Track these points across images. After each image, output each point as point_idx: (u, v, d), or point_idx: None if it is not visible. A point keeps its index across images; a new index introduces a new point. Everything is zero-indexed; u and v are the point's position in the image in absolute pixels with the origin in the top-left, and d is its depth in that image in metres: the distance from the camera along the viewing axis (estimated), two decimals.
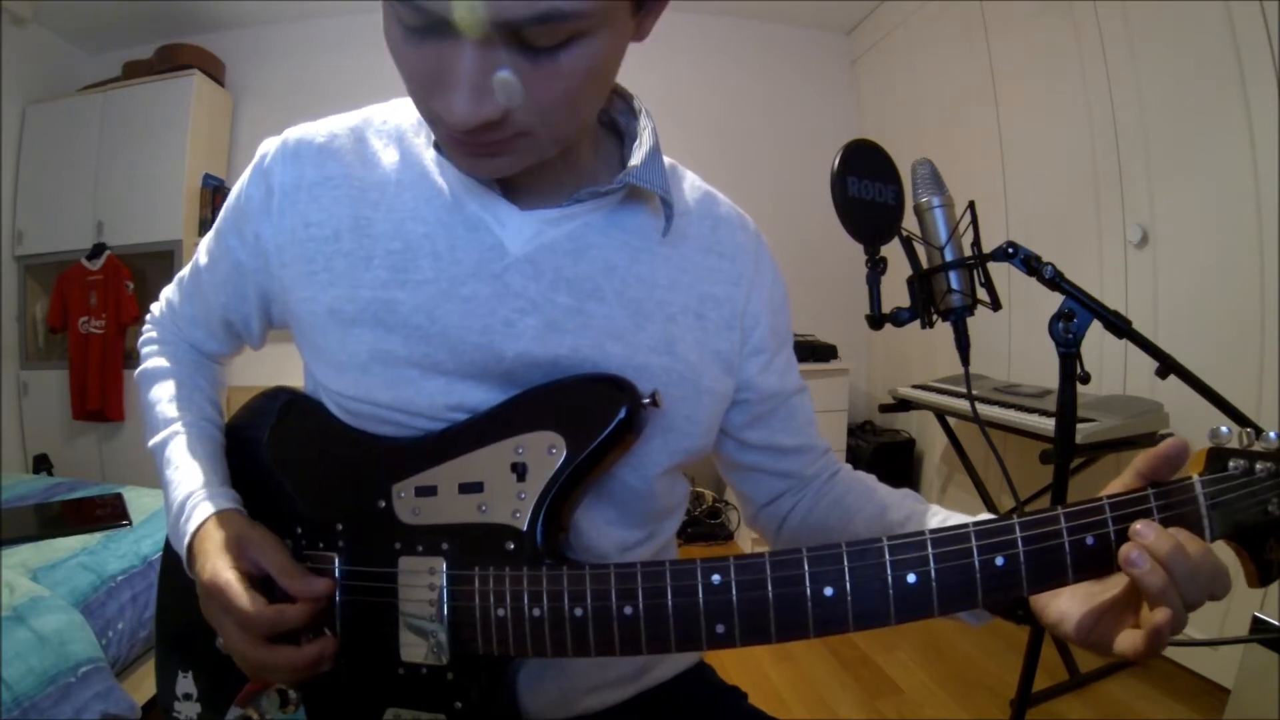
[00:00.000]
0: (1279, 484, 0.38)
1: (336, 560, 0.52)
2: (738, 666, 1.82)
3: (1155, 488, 0.39)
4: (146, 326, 0.68)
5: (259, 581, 0.50)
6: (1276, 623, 0.63)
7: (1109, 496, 0.38)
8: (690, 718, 0.61)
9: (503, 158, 0.44)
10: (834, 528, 0.61)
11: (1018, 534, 0.38)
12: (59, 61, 2.96)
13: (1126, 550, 0.37)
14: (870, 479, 0.64)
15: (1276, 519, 0.38)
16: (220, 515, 0.52)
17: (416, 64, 0.39)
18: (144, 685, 1.36)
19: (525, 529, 0.47)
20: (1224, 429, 0.40)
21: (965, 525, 0.39)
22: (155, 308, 0.69)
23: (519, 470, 0.48)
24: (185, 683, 0.59)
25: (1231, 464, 0.39)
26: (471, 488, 0.49)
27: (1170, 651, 1.76)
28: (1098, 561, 0.38)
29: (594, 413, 0.48)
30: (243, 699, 0.53)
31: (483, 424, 0.50)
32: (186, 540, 0.52)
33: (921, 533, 0.39)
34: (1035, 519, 0.38)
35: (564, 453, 0.47)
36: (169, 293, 0.67)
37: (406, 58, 0.39)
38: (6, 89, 2.69)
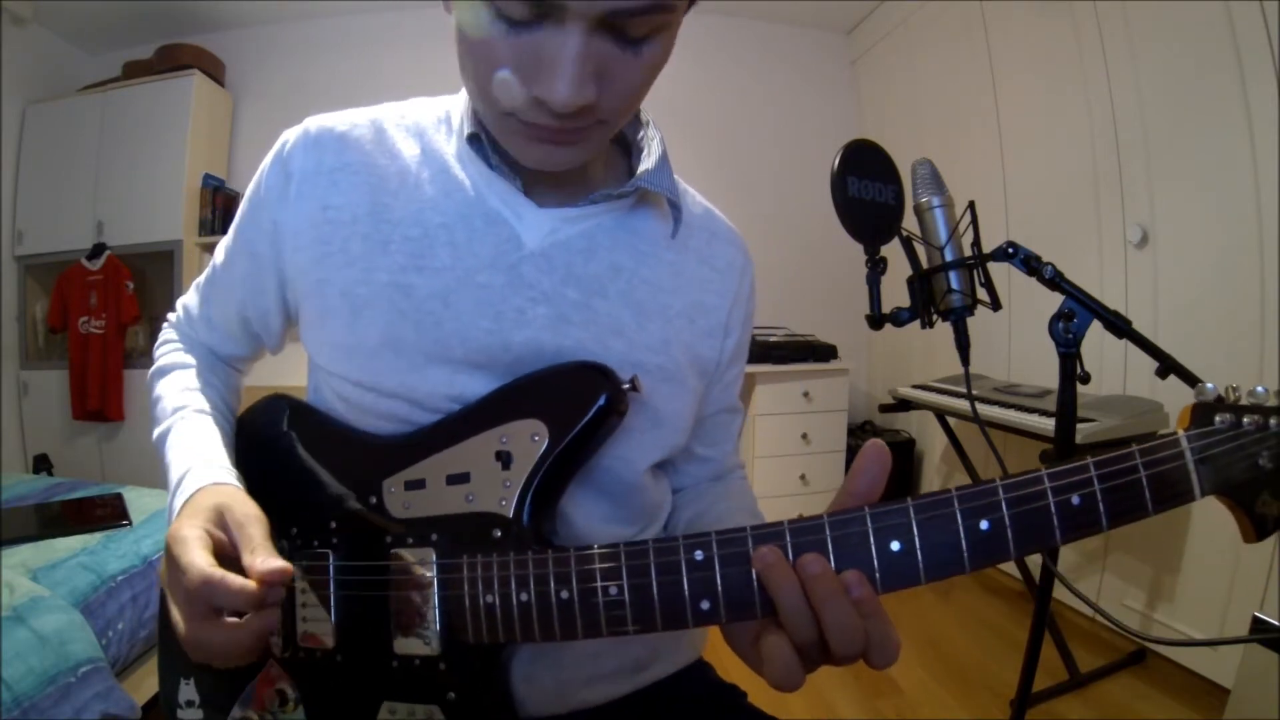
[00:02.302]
0: (1267, 437, 0.37)
1: (331, 557, 0.52)
2: (737, 664, 1.81)
3: (1140, 443, 0.37)
4: (164, 329, 0.69)
5: (231, 562, 0.44)
6: (1276, 623, 0.63)
7: (1094, 457, 0.38)
8: (689, 716, 0.61)
9: (576, 147, 0.47)
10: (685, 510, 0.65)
11: (1001, 496, 0.37)
12: (59, 61, 2.96)
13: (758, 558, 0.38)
14: (740, 494, 0.67)
15: (1267, 472, 0.37)
16: (214, 485, 0.49)
17: (513, 54, 0.41)
18: (144, 685, 1.36)
19: (511, 516, 0.48)
20: (1209, 385, 0.40)
21: (948, 491, 0.38)
22: (171, 315, 0.69)
23: (504, 459, 0.49)
24: (188, 689, 0.59)
25: (1218, 418, 0.38)
26: (459, 478, 0.50)
27: (1170, 651, 1.77)
28: (1085, 521, 0.37)
29: (575, 399, 0.49)
30: (254, 700, 0.53)
31: (469, 415, 0.52)
32: (175, 515, 0.48)
33: (904, 500, 0.38)
34: (1019, 481, 0.38)
35: (546, 439, 0.48)
36: (186, 299, 0.68)
37: (501, 49, 0.41)
38: (6, 89, 2.69)
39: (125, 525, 1.56)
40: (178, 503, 0.49)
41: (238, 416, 0.64)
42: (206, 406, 0.60)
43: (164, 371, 0.63)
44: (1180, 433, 0.38)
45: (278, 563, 0.43)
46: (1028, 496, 0.37)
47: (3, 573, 1.25)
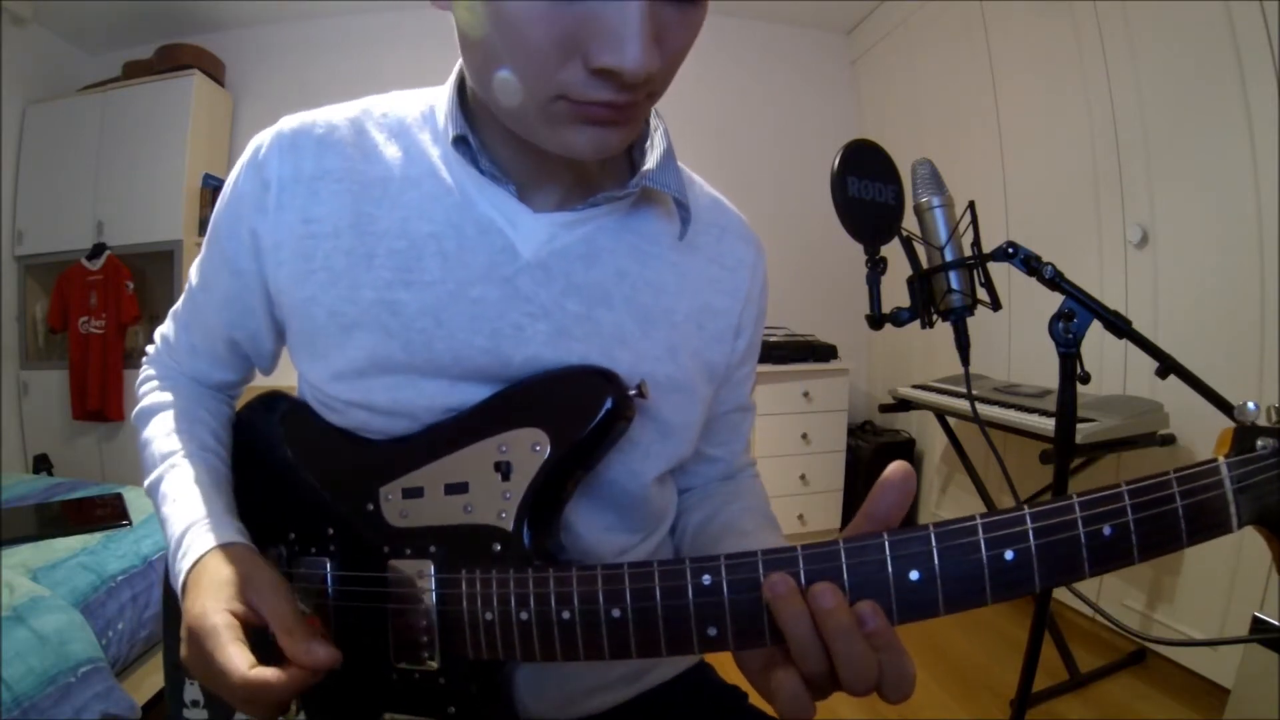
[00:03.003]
0: None
1: (328, 564, 0.52)
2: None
3: (1178, 472, 0.35)
4: (143, 366, 0.64)
5: (254, 632, 0.44)
6: (1276, 623, 0.63)
7: (1128, 483, 0.35)
8: (691, 718, 0.61)
9: (625, 128, 0.43)
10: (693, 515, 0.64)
11: (1029, 525, 0.35)
12: (59, 61, 2.96)
13: (769, 586, 0.36)
14: (751, 494, 0.65)
15: None
16: (222, 549, 0.46)
17: (563, 27, 0.37)
18: (144, 685, 1.36)
19: (511, 530, 0.46)
20: (1250, 405, 0.37)
21: (972, 518, 0.36)
22: (150, 348, 0.65)
23: (503, 469, 0.47)
24: (192, 689, 0.59)
25: (1260, 443, 0.35)
26: (457, 488, 0.48)
27: (1170, 651, 1.76)
28: (1116, 554, 0.34)
29: (578, 406, 0.46)
30: None
31: (467, 422, 0.49)
32: (182, 579, 0.46)
33: (925, 526, 0.36)
34: (1048, 509, 0.35)
35: (548, 449, 0.46)
36: (164, 329, 0.63)
37: (546, 24, 0.37)
38: (6, 89, 2.69)
39: (125, 525, 1.56)
40: (183, 565, 0.46)
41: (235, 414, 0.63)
42: (200, 446, 0.55)
43: (149, 413, 0.58)
44: (1220, 459, 0.35)
45: (325, 652, 0.42)
46: (1057, 525, 0.35)
47: (3, 573, 1.25)
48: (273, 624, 0.43)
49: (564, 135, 0.43)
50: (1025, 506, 0.36)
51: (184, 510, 0.49)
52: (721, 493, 0.65)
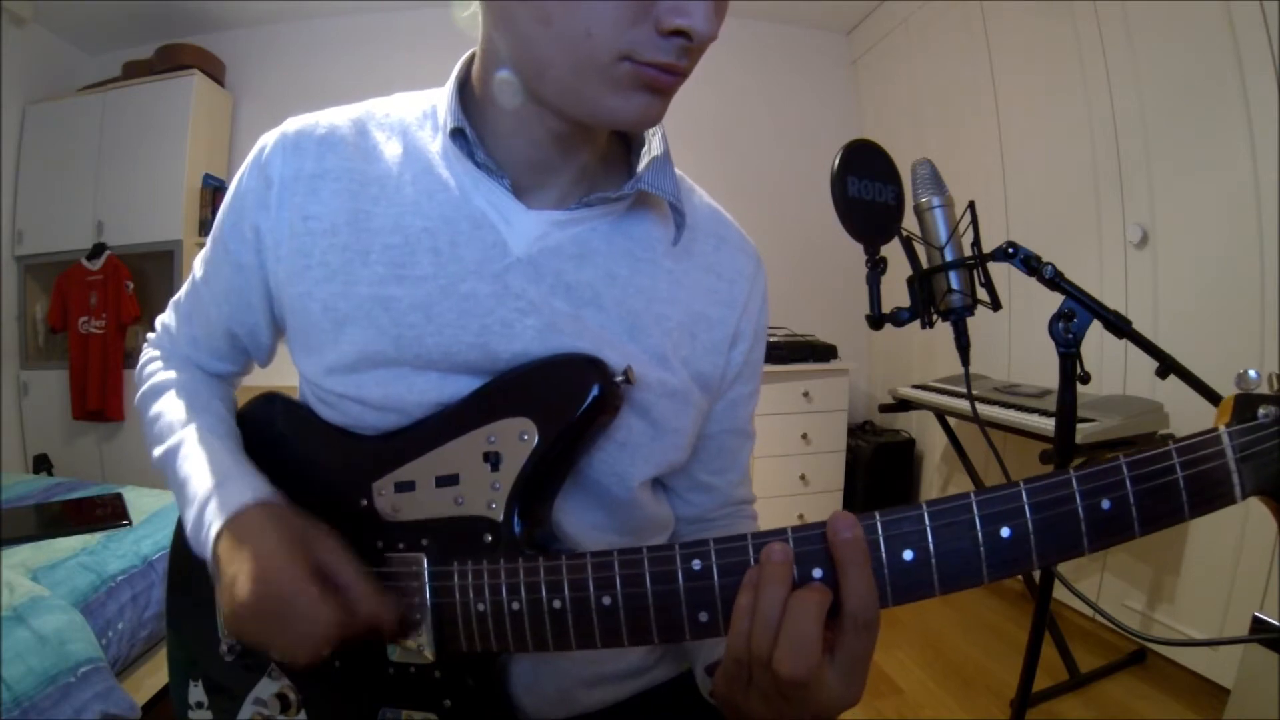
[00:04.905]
0: None
1: None
2: None
3: (1177, 442, 0.34)
4: (145, 349, 0.65)
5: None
6: (1276, 623, 0.63)
7: (1126, 455, 0.34)
8: (691, 717, 0.61)
9: (666, 99, 0.45)
10: None
11: (1025, 501, 0.34)
12: (59, 61, 2.96)
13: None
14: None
15: None
16: (261, 505, 0.48)
17: None
18: (144, 685, 1.36)
19: (501, 520, 0.46)
20: (1252, 373, 0.36)
21: (965, 495, 0.35)
22: (151, 335, 0.66)
23: (492, 459, 0.47)
24: (197, 691, 0.59)
25: (1261, 411, 0.34)
26: (447, 480, 0.48)
27: (1170, 651, 1.76)
28: (1116, 527, 0.34)
29: (566, 394, 0.47)
30: None
31: (456, 414, 0.50)
32: (215, 530, 0.47)
33: (919, 505, 0.35)
34: (1044, 484, 0.34)
35: (536, 438, 0.46)
36: (165, 318, 0.65)
37: None
38: (6, 89, 2.69)
39: (125, 525, 1.56)
40: (213, 523, 0.47)
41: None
42: (215, 418, 0.57)
43: (159, 390, 0.59)
44: (1222, 428, 0.34)
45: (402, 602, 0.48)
46: (1054, 500, 0.34)
47: (3, 573, 1.25)
48: (349, 586, 0.45)
49: (615, 100, 0.43)
50: (1021, 482, 0.35)
51: (208, 469, 0.51)
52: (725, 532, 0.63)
